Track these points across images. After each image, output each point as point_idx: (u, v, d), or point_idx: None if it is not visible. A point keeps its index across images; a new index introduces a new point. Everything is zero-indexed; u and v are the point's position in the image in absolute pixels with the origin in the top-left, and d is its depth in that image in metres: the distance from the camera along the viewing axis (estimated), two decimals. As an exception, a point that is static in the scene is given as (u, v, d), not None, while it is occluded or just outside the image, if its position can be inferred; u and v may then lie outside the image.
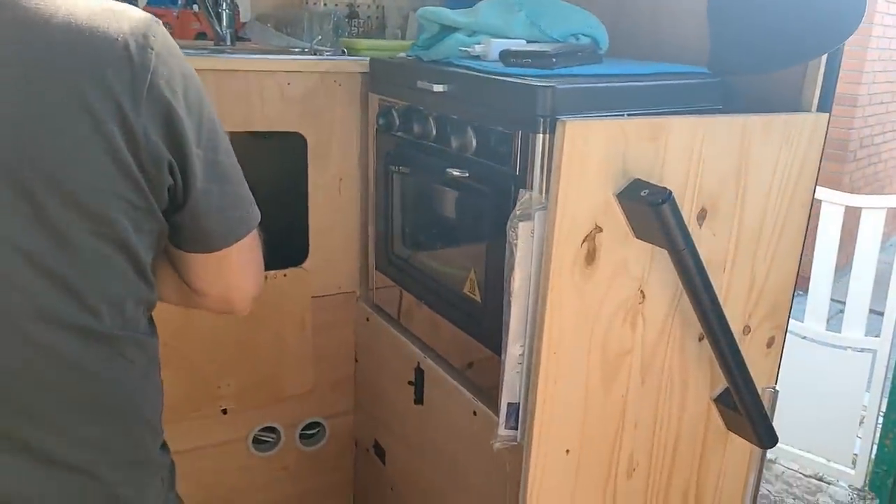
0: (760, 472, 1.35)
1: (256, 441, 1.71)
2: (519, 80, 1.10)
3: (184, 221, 0.82)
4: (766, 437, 1.18)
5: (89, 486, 0.80)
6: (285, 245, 1.65)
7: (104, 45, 0.72)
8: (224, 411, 1.63)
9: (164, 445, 0.91)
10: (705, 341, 1.14)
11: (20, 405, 0.75)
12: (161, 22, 0.79)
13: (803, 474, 2.52)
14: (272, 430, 1.72)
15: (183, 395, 1.55)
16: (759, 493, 1.40)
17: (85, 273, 0.75)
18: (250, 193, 0.89)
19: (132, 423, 0.84)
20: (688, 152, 1.07)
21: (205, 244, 0.85)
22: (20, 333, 0.73)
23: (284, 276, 1.61)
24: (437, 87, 1.25)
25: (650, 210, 0.98)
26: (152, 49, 0.74)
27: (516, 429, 1.15)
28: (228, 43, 1.75)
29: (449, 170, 1.23)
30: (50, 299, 0.73)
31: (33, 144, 0.70)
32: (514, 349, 1.12)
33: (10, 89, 0.69)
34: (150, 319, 0.87)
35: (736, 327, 1.14)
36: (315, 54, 1.67)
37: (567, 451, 1.13)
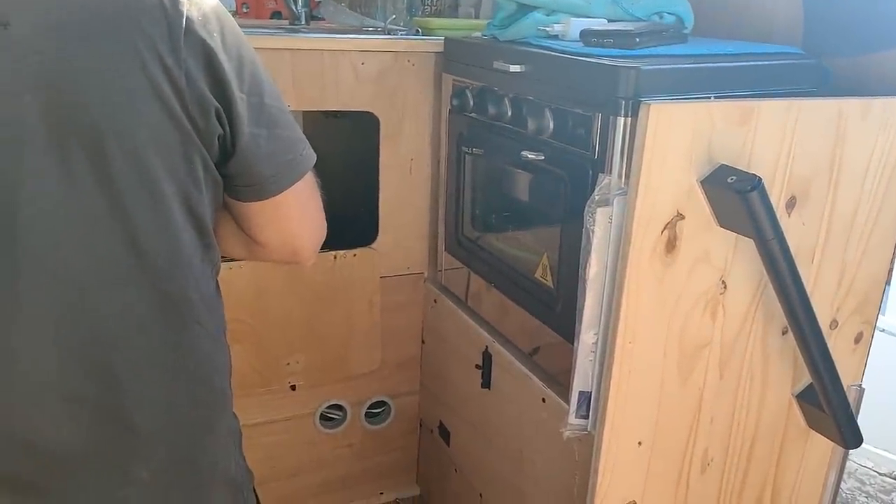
0: (842, 472, 1.29)
1: (323, 418, 1.73)
2: (600, 61, 1.07)
3: (236, 170, 0.81)
4: (850, 436, 1.13)
5: (163, 448, 0.82)
6: (355, 225, 1.66)
7: None
8: (293, 387, 1.65)
9: (233, 412, 0.91)
10: (789, 335, 1.10)
11: (95, 369, 0.76)
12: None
13: (878, 472, 2.42)
14: (339, 407, 1.75)
15: (254, 371, 1.58)
16: (833, 491, 1.35)
17: (152, 234, 0.75)
18: (302, 135, 0.86)
19: (205, 387, 0.85)
20: (779, 137, 1.02)
21: (259, 191, 0.83)
22: (94, 297, 0.74)
23: (354, 255, 1.62)
24: (514, 68, 1.22)
25: (737, 198, 0.94)
26: None
27: (587, 418, 1.13)
28: (303, 22, 1.76)
29: (524, 152, 1.21)
30: (121, 262, 0.74)
31: (91, 104, 0.69)
32: (587, 337, 1.09)
33: (56, 50, 0.68)
34: (217, 283, 0.87)
35: (823, 321, 1.08)
36: (388, 33, 1.66)
37: (639, 442, 1.11)
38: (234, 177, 0.82)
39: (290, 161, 0.84)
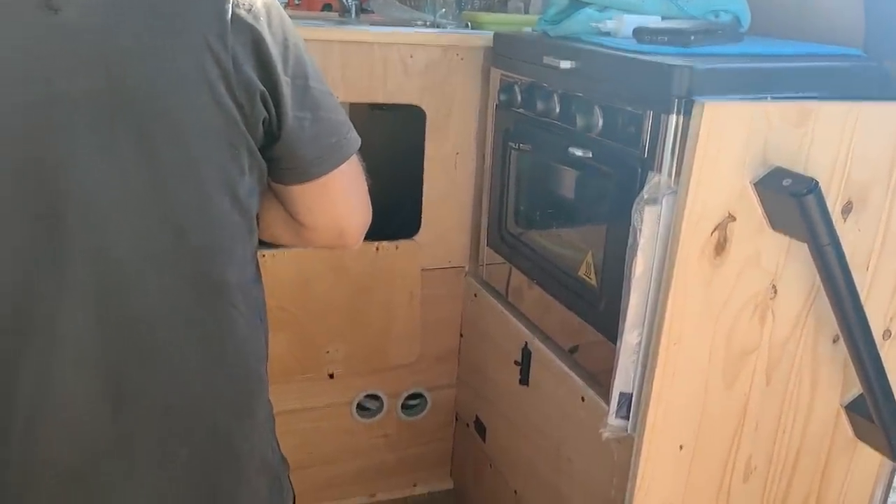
0: (890, 485, 1.26)
1: (360, 407, 1.75)
2: (653, 59, 1.05)
3: (280, 153, 0.81)
4: (900, 450, 1.10)
5: (201, 430, 0.82)
6: (398, 217, 1.66)
7: None
8: (331, 376, 1.67)
9: (268, 398, 0.91)
10: (840, 343, 1.07)
11: (133, 348, 0.76)
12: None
13: (924, 489, 2.35)
14: (376, 397, 1.76)
15: (294, 358, 1.60)
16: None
17: (194, 217, 0.75)
18: (347, 119, 0.86)
19: (241, 371, 0.85)
20: (836, 141, 1.00)
21: (303, 174, 0.84)
22: (133, 277, 0.74)
23: (396, 248, 1.62)
24: (564, 64, 1.21)
25: (793, 201, 0.92)
26: None
27: (627, 419, 1.12)
28: (353, 15, 1.76)
29: (571, 149, 1.20)
30: (161, 243, 0.74)
31: (138, 86, 0.70)
32: (630, 337, 1.08)
33: (104, 31, 0.69)
34: (257, 266, 0.87)
35: (876, 331, 1.05)
36: (438, 27, 1.66)
37: (680, 446, 1.09)
38: (278, 160, 0.82)
39: (335, 144, 0.84)
